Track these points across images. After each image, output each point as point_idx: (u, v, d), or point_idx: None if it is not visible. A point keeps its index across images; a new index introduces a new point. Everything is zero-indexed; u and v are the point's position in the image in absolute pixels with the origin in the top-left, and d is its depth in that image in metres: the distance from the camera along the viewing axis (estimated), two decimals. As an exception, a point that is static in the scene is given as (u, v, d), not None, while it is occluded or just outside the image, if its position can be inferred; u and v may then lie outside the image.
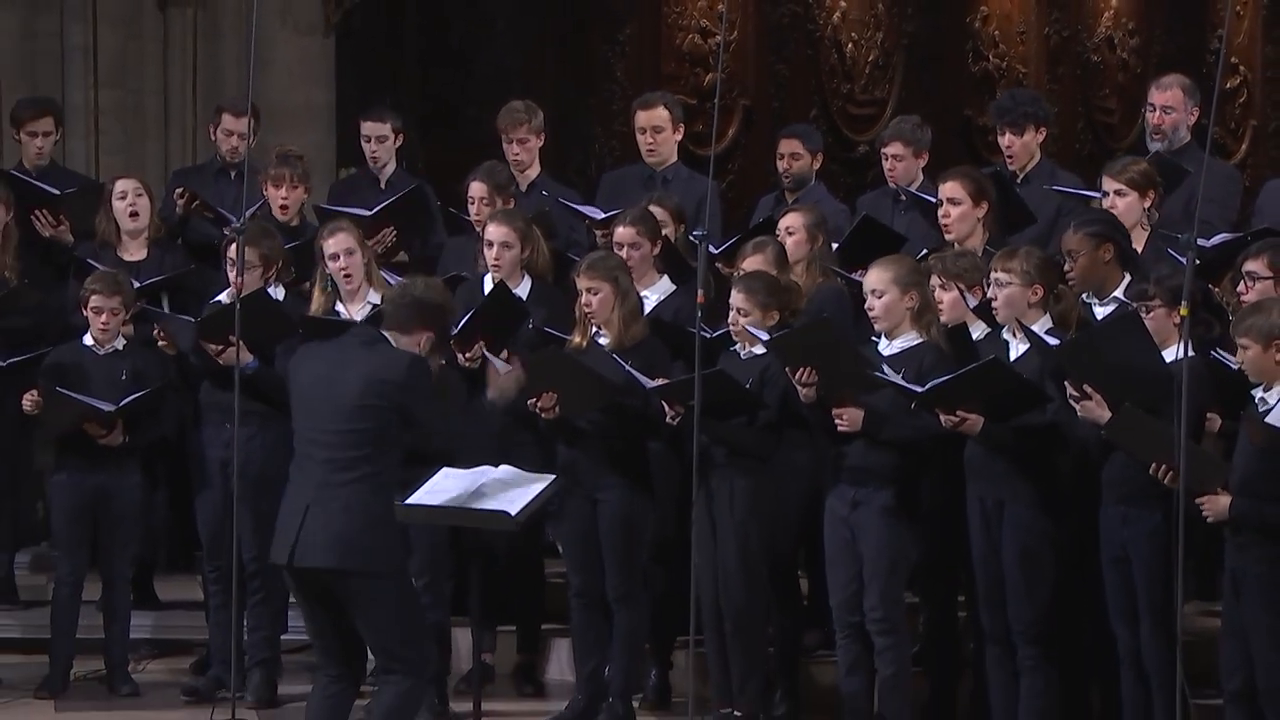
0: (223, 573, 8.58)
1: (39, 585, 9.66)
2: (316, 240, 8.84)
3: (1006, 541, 7.43)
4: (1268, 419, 6.70)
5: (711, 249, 8.56)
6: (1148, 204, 8.13)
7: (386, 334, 7.19)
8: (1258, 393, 6.85)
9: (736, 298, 7.91)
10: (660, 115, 9.75)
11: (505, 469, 7.56)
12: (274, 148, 9.90)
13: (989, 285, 7.59)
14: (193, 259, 9.46)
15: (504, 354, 8.24)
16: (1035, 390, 7.30)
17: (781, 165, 9.88)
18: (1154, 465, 6.83)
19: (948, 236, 8.37)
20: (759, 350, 7.89)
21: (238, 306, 8.16)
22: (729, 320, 7.91)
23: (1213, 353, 7.32)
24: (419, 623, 7.26)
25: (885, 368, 7.51)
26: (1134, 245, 7.91)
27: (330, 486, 6.97)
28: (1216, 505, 6.75)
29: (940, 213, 8.38)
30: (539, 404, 8.09)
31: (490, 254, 8.69)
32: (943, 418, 7.36)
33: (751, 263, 8.28)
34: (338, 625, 7.08)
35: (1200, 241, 7.18)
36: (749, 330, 7.86)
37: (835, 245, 8.83)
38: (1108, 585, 7.22)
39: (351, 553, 6.92)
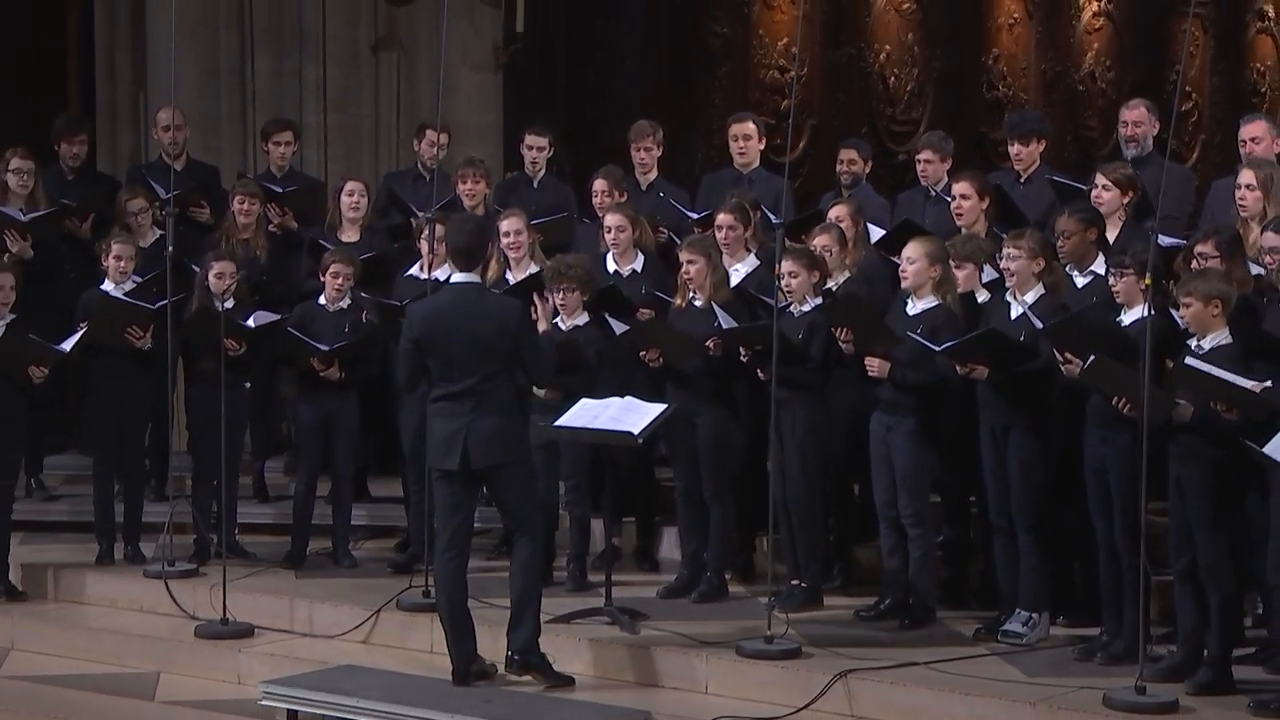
0: (419, 475, 8.57)
1: (283, 484, 9.71)
2: (494, 222, 8.79)
3: (1010, 457, 7.37)
4: (1189, 361, 6.57)
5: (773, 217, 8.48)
6: (1126, 200, 7.93)
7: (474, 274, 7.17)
8: (1193, 341, 6.72)
9: (786, 264, 7.82)
10: (749, 127, 9.61)
11: (628, 399, 7.55)
12: (460, 155, 9.91)
13: (1001, 259, 7.49)
14: (393, 240, 9.46)
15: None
16: (1023, 347, 7.25)
17: (840, 169, 9.73)
18: (1116, 398, 6.72)
19: (959, 223, 8.24)
20: (806, 308, 7.83)
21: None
22: (782, 283, 7.79)
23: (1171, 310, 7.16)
24: (539, 497, 7.46)
25: (909, 332, 7.45)
26: (1114, 231, 7.78)
27: (481, 407, 7.02)
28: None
29: (954, 206, 8.26)
30: (648, 356, 8.09)
31: (609, 237, 8.67)
32: (958, 369, 7.32)
33: (821, 240, 8.19)
34: (472, 512, 7.25)
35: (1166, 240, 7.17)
36: (804, 297, 7.78)
37: (881, 231, 8.72)
38: (1089, 489, 7.10)
39: (508, 448, 7.06)
